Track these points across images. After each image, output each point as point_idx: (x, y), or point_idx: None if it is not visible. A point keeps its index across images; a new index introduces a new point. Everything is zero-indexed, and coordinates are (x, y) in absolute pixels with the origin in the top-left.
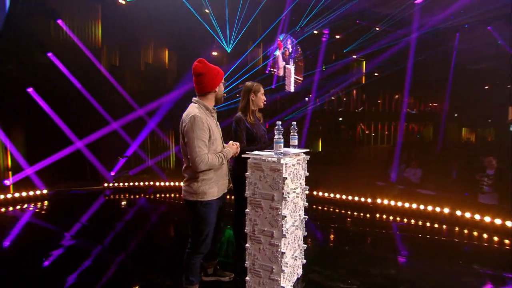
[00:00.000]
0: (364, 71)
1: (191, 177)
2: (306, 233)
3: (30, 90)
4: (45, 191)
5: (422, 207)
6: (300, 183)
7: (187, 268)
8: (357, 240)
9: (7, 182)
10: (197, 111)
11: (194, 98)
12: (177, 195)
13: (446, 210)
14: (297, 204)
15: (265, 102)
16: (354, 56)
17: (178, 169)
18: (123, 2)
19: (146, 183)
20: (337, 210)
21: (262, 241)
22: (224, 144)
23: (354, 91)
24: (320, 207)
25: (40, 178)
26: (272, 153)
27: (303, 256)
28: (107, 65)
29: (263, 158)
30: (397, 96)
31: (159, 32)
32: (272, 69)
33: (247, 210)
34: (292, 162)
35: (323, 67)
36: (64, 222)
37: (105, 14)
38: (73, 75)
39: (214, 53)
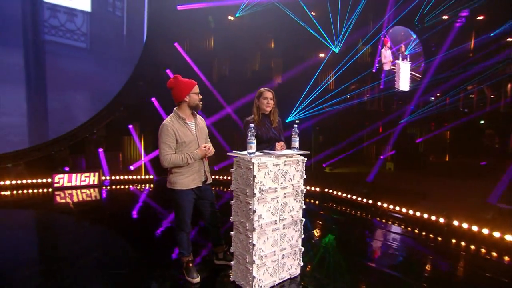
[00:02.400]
0: None
1: (168, 170)
2: (303, 235)
3: (153, 99)
4: (151, 177)
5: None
6: (292, 185)
7: (177, 242)
8: (399, 262)
9: (131, 168)
10: (168, 120)
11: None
12: None
13: None
14: (287, 204)
15: (268, 105)
16: (510, 39)
17: None
18: (232, 18)
19: (229, 178)
20: (403, 226)
21: (241, 231)
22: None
23: (510, 85)
24: (394, 223)
25: (152, 166)
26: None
27: (300, 258)
28: (217, 75)
29: (242, 156)
30: None
31: (265, 40)
32: (381, 66)
33: (232, 201)
34: (274, 162)
35: None
36: (162, 203)
37: (216, 32)
38: None
39: (321, 55)
